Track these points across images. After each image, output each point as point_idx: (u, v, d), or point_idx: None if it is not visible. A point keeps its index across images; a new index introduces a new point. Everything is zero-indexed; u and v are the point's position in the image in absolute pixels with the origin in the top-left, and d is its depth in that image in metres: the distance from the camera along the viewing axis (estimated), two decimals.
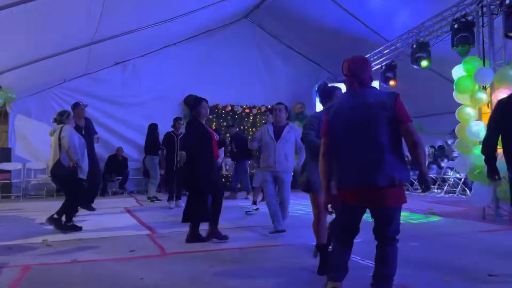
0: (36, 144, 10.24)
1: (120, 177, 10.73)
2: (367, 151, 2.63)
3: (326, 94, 3.64)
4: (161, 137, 8.91)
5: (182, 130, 8.18)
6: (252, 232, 5.48)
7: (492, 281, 3.27)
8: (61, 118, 5.68)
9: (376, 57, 10.20)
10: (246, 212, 7.13)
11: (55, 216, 5.47)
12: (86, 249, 4.58)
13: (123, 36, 8.56)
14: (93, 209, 7.28)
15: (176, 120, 8.65)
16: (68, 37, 7.52)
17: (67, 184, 5.59)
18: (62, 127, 5.53)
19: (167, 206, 8.12)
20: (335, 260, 2.83)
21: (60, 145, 5.41)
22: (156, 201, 9.02)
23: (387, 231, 2.69)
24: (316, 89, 3.98)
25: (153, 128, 9.24)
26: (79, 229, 5.57)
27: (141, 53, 11.19)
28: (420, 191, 2.95)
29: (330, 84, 3.81)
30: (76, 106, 6.93)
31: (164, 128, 9.14)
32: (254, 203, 7.36)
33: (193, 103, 4.97)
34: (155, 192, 9.30)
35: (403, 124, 2.63)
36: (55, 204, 8.45)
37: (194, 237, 4.81)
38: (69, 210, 5.61)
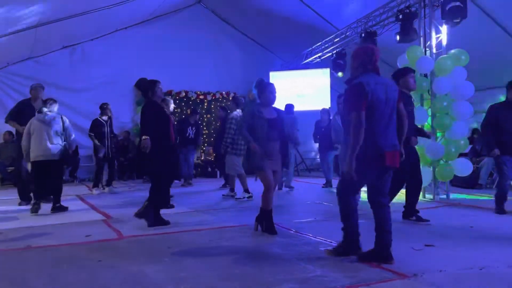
0: None
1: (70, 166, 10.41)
2: (393, 121, 3.30)
3: (262, 88, 4.43)
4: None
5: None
6: (211, 216, 5.59)
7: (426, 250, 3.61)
8: (51, 106, 6.11)
9: (327, 45, 10.51)
10: (236, 198, 6.89)
11: (57, 205, 6.00)
12: (40, 235, 4.51)
13: (71, 18, 8.24)
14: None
15: (105, 106, 8.31)
16: (11, 18, 7.15)
17: (62, 167, 6.33)
18: (61, 117, 6.13)
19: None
20: (355, 233, 3.41)
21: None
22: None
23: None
24: (254, 85, 4.44)
25: None
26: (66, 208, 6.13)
27: (91, 37, 10.82)
28: None
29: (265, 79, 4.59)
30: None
31: (115, 114, 8.97)
32: (246, 190, 6.88)
33: (148, 85, 4.97)
34: None
35: (398, 103, 3.35)
36: (3, 193, 8.19)
37: (157, 220, 4.82)
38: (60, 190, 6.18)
